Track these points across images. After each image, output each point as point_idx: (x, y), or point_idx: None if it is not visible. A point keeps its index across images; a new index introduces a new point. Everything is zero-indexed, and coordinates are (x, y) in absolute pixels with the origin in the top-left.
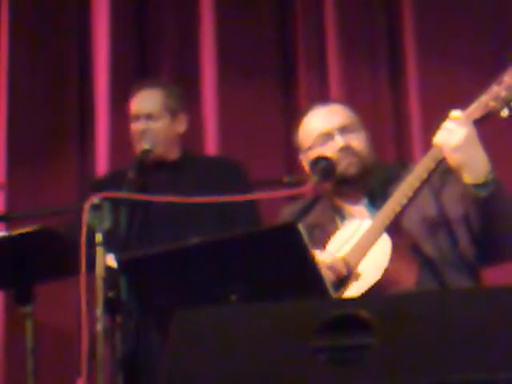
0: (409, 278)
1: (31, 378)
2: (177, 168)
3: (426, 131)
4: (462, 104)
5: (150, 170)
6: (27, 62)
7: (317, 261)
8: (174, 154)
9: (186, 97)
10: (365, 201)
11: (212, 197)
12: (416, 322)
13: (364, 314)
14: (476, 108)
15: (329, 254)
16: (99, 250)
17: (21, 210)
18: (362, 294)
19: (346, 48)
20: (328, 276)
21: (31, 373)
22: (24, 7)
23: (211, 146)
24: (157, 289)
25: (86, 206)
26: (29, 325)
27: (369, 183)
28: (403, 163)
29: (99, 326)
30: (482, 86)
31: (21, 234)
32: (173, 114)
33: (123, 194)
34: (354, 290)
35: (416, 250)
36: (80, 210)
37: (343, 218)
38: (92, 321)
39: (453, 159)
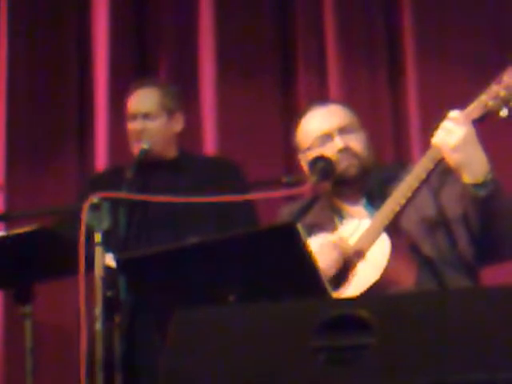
0: (408, 278)
1: (30, 377)
2: (174, 167)
3: (424, 131)
4: (461, 104)
5: (149, 170)
6: (26, 62)
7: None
8: (171, 153)
9: (182, 96)
10: (363, 201)
11: (210, 197)
12: (415, 322)
13: (363, 313)
14: (475, 108)
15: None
16: (98, 250)
17: (20, 210)
18: (361, 294)
19: (345, 48)
20: (330, 265)
21: (30, 372)
22: (23, 7)
23: (210, 145)
24: (155, 289)
25: (85, 206)
26: (28, 324)
27: (368, 183)
28: (402, 163)
29: (98, 326)
30: (481, 86)
31: (20, 234)
32: (170, 113)
33: (122, 194)
34: (352, 290)
35: (415, 249)
36: (79, 210)
37: (342, 217)
38: (91, 320)
39: (452, 159)
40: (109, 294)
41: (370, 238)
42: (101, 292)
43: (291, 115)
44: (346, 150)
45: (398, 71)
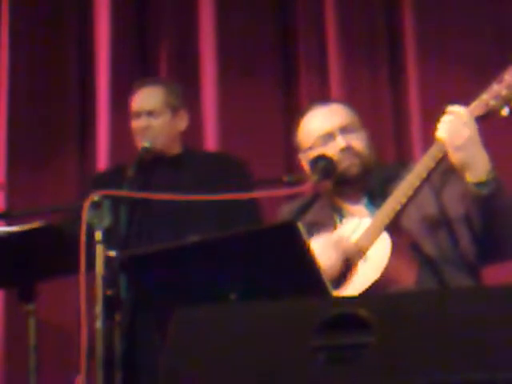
0: (408, 277)
1: (33, 375)
2: (178, 164)
3: (425, 130)
4: (462, 103)
5: (151, 167)
6: (28, 61)
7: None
8: (175, 150)
9: (186, 94)
10: (364, 200)
11: (212, 194)
12: (415, 321)
13: (363, 312)
14: (476, 107)
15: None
16: (99, 248)
17: (21, 208)
18: (362, 293)
19: (346, 47)
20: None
21: (34, 370)
22: (24, 7)
23: (211, 144)
24: (156, 287)
25: (86, 204)
26: (31, 322)
27: (369, 183)
28: (403, 163)
29: (98, 324)
30: (481, 85)
31: (25, 230)
32: (174, 110)
33: (123, 192)
34: (353, 289)
35: (416, 248)
36: (80, 208)
37: (342, 216)
38: (92, 318)
39: (455, 157)
40: (109, 292)
41: (370, 237)
42: (101, 290)
43: (292, 114)
44: (348, 150)
45: (399, 70)
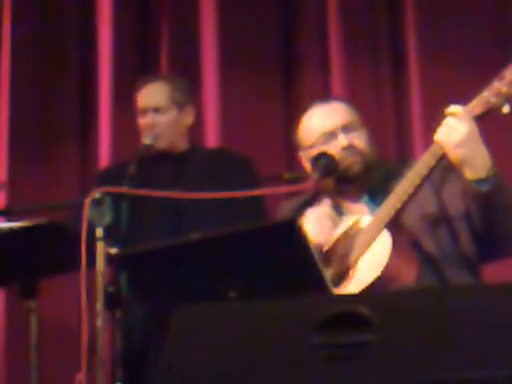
0: (409, 275)
1: (34, 372)
2: (185, 160)
3: (427, 129)
4: (464, 101)
5: (157, 164)
6: (30, 58)
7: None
8: (181, 146)
9: (192, 89)
10: (365, 198)
11: (216, 192)
12: (416, 319)
13: (364, 310)
14: (477, 104)
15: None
16: (100, 245)
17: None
18: (362, 291)
19: (348, 46)
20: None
21: (35, 367)
22: (26, 7)
23: (212, 141)
24: (157, 284)
25: (87, 201)
26: (33, 319)
27: (370, 181)
28: (404, 160)
29: (99, 321)
30: (483, 83)
31: (27, 227)
32: (180, 106)
33: (124, 189)
34: (353, 287)
35: (416, 246)
36: (81, 205)
37: (342, 214)
38: (93, 315)
39: (454, 155)
40: (110, 289)
41: (371, 235)
42: (102, 287)
43: (294, 112)
44: (349, 148)
45: (401, 69)
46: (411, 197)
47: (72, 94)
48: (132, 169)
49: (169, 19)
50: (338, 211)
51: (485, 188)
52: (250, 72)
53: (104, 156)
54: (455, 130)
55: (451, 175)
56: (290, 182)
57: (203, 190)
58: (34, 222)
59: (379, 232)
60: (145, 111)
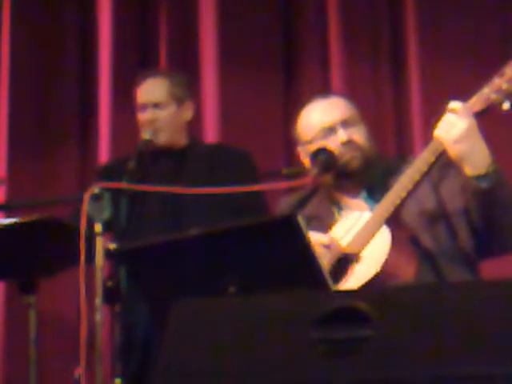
0: (408, 271)
1: (33, 367)
2: (184, 155)
3: (427, 125)
4: (464, 98)
5: (156, 159)
6: (29, 54)
7: (313, 241)
8: (181, 141)
9: (192, 84)
10: (364, 194)
11: (216, 187)
12: (414, 315)
13: (362, 306)
14: (477, 101)
15: (325, 235)
16: (99, 240)
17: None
18: (361, 286)
19: (348, 43)
20: (324, 256)
21: (34, 362)
22: (26, 5)
23: (211, 136)
24: (155, 280)
25: (86, 196)
26: (32, 314)
27: (368, 176)
28: (403, 156)
29: (98, 316)
30: (483, 80)
31: (26, 222)
32: (179, 101)
33: (123, 185)
34: (352, 282)
35: (414, 242)
36: (80, 200)
37: (341, 209)
38: (91, 310)
39: (454, 151)
40: (109, 283)
41: (370, 231)
42: (101, 282)
43: (293, 108)
44: (349, 143)
45: (401, 66)
46: (410, 193)
47: (71, 90)
48: (131, 164)
49: (168, 16)
50: (337, 207)
51: (484, 184)
52: (250, 68)
53: (103, 152)
54: (455, 126)
55: (449, 172)
56: (289, 177)
57: (203, 185)
58: (34, 217)
59: (379, 228)
60: (144, 106)
